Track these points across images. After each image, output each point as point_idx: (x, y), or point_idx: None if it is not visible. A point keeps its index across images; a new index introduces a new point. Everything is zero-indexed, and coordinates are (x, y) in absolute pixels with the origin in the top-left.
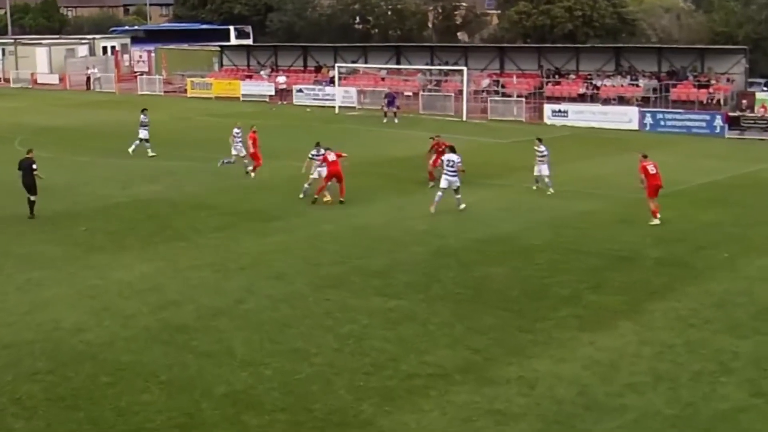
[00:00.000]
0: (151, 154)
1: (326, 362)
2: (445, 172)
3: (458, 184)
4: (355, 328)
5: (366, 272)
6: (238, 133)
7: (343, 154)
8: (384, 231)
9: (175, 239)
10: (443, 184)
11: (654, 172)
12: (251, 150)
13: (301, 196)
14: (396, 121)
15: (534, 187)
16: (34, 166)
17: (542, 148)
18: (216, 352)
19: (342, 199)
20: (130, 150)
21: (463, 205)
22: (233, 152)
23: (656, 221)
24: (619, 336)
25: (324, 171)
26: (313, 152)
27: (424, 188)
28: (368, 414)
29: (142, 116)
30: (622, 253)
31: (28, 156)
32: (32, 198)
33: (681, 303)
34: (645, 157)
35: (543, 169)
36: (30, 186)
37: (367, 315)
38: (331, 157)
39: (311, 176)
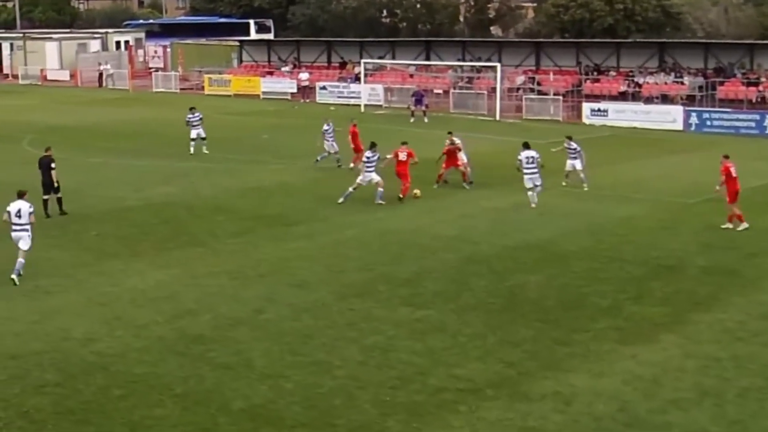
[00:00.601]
0: (192, 152)
1: (350, 375)
2: (525, 171)
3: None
4: (380, 339)
5: (392, 280)
6: (328, 129)
7: (415, 158)
8: (412, 236)
9: (191, 245)
10: (528, 184)
11: (735, 175)
12: (352, 144)
13: (341, 200)
14: (426, 120)
15: (563, 183)
16: (53, 165)
17: (573, 145)
18: (234, 364)
19: (402, 196)
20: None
21: (534, 203)
22: (326, 148)
23: (745, 225)
24: (662, 349)
25: (374, 177)
26: (368, 154)
27: (455, 191)
28: (394, 431)
29: (189, 114)
30: (665, 261)
31: (47, 154)
32: (58, 196)
33: (728, 314)
34: (726, 157)
35: (576, 164)
36: (48, 185)
37: (393, 326)
38: (402, 156)
39: (357, 180)
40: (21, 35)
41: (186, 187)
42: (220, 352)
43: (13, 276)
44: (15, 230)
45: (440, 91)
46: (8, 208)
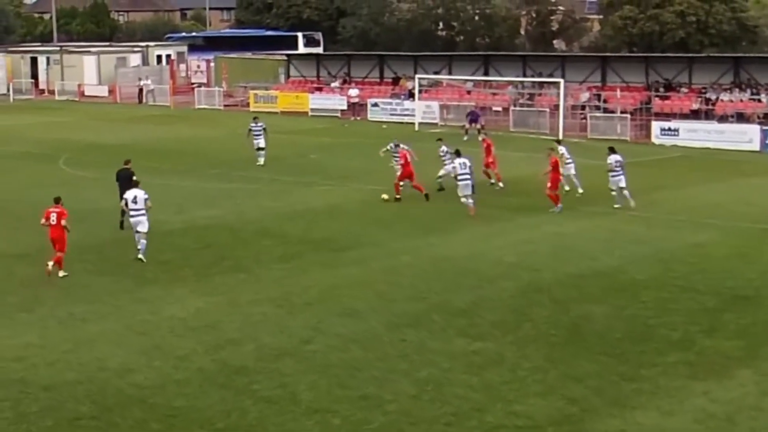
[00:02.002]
0: (260, 162)
1: (402, 411)
2: (612, 175)
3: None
4: (434, 372)
5: (448, 310)
6: (444, 152)
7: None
8: (468, 263)
9: (234, 271)
10: (613, 186)
11: None
12: (487, 159)
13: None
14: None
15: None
16: (134, 178)
17: (562, 149)
18: (278, 398)
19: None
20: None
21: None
22: (442, 172)
23: None
24: (737, 386)
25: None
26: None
27: (514, 215)
28: None
29: (252, 123)
30: (740, 292)
31: (126, 167)
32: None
33: None
34: None
35: (571, 169)
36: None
37: (448, 358)
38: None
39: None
40: (58, 49)
41: (230, 209)
42: (263, 385)
43: (140, 256)
44: (133, 216)
45: (499, 109)
46: (125, 196)
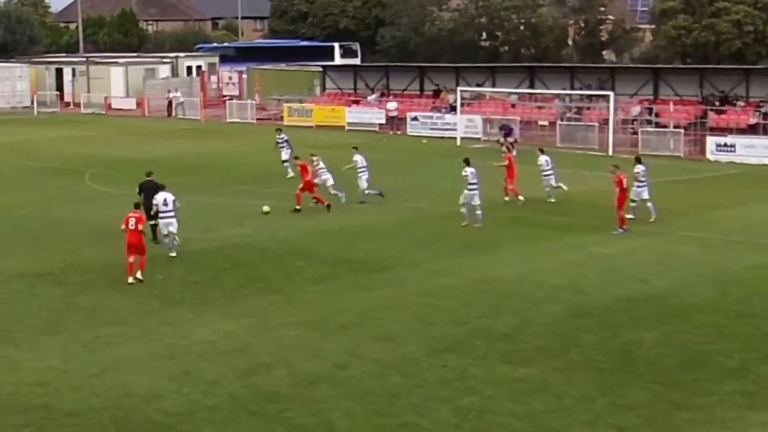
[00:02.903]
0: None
1: None
2: (637, 185)
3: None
4: (476, 400)
5: (490, 334)
6: (357, 161)
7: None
8: (512, 285)
9: (266, 292)
10: (635, 196)
11: None
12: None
13: (465, 223)
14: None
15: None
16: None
17: (542, 159)
18: (312, 426)
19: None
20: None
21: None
22: (364, 184)
23: None
24: None
25: (330, 179)
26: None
27: (561, 235)
28: None
29: (277, 136)
30: None
31: (149, 179)
32: (153, 222)
33: None
34: None
35: (643, 193)
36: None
37: (491, 385)
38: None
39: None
40: (84, 60)
41: (261, 227)
42: (297, 412)
43: (173, 254)
44: (163, 218)
45: (545, 123)
46: (155, 201)
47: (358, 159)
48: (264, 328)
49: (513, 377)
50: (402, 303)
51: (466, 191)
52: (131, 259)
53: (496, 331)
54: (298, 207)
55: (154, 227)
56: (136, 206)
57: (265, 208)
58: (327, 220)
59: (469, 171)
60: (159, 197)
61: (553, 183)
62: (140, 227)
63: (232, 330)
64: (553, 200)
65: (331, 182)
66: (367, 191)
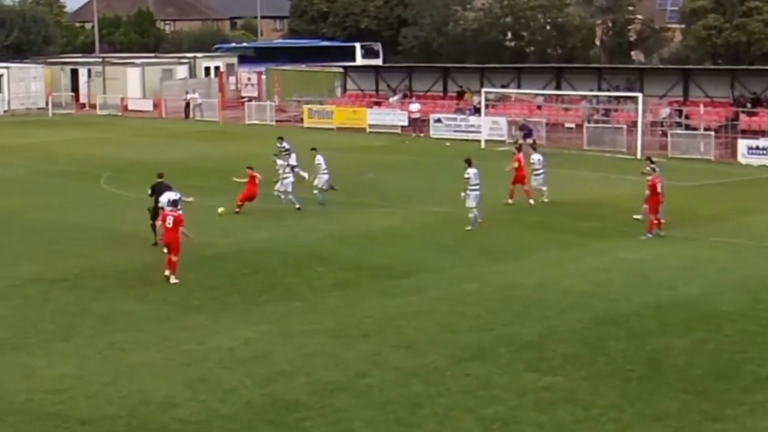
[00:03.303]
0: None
1: None
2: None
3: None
4: (501, 409)
5: (515, 342)
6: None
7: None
8: (538, 292)
9: (286, 298)
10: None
11: None
12: (518, 173)
13: (469, 227)
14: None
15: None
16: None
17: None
18: None
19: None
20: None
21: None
22: (317, 182)
23: None
24: None
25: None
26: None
27: (587, 240)
28: None
29: (278, 145)
30: None
31: (160, 180)
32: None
33: None
34: None
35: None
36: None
37: (516, 394)
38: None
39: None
40: (100, 60)
41: (280, 232)
42: (316, 421)
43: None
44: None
45: (572, 125)
46: (162, 200)
47: (321, 160)
48: (283, 335)
49: (539, 386)
50: (424, 310)
51: (470, 192)
52: (173, 257)
53: (522, 338)
54: (237, 210)
55: (155, 231)
56: (174, 204)
57: (220, 210)
58: (347, 224)
59: (471, 172)
60: (163, 198)
61: (538, 185)
62: (181, 228)
63: (250, 337)
64: (546, 200)
65: (320, 183)
66: (320, 188)
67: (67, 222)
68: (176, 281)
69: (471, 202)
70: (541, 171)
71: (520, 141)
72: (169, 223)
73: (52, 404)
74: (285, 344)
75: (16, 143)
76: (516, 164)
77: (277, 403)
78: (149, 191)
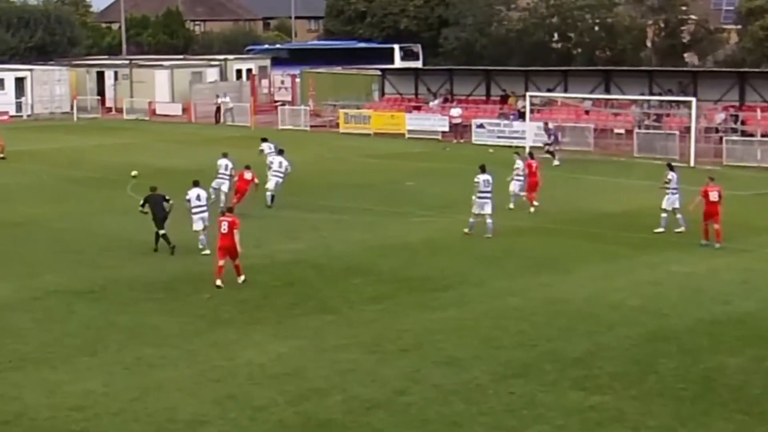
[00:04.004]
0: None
1: None
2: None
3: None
4: (545, 429)
5: (561, 359)
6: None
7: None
8: (584, 306)
9: (320, 312)
10: (667, 205)
11: None
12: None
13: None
14: (556, 162)
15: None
16: (167, 198)
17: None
18: None
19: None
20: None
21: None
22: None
23: None
24: None
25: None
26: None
27: (637, 252)
28: None
29: (264, 144)
30: None
31: (153, 193)
32: (163, 231)
33: None
34: None
35: (676, 202)
36: (162, 219)
37: (561, 413)
38: (248, 175)
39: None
40: (127, 62)
41: (315, 242)
42: None
43: (206, 252)
44: (196, 212)
45: (622, 131)
46: (187, 196)
47: (283, 162)
48: (317, 351)
49: (585, 405)
50: (466, 324)
51: (476, 198)
52: (221, 262)
53: (568, 355)
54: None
55: (158, 236)
56: (229, 210)
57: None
58: (385, 234)
59: (481, 178)
60: (192, 193)
61: (518, 190)
62: (236, 233)
63: (282, 352)
64: (512, 207)
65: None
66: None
67: (92, 231)
68: (244, 278)
69: (475, 209)
70: (521, 178)
71: (555, 147)
72: (224, 229)
73: (76, 422)
74: (319, 360)
75: (40, 149)
76: (526, 170)
77: (310, 422)
78: (141, 202)
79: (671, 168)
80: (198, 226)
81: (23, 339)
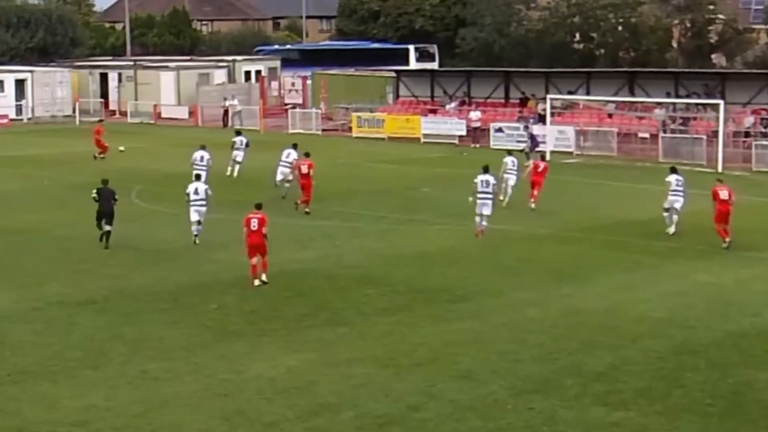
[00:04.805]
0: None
1: None
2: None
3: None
4: None
5: (582, 373)
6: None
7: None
8: (607, 318)
9: (331, 324)
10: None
11: None
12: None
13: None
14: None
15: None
16: (116, 197)
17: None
18: None
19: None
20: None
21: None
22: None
23: None
24: None
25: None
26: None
27: (662, 262)
28: None
29: (236, 138)
30: None
31: (104, 186)
32: (108, 228)
33: None
34: None
35: (675, 202)
36: (109, 215)
37: (583, 430)
38: (304, 168)
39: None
40: (131, 63)
41: (327, 251)
42: None
43: (197, 241)
44: (194, 205)
45: (646, 135)
46: (188, 190)
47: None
48: (329, 365)
49: (608, 422)
50: (483, 337)
51: (476, 200)
52: (254, 260)
53: (590, 369)
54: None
55: (101, 228)
56: (258, 206)
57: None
58: (400, 243)
59: (480, 179)
60: (191, 187)
61: (512, 183)
62: (264, 230)
63: (293, 366)
64: (503, 199)
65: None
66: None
67: (95, 239)
68: (265, 281)
69: (477, 209)
70: (513, 171)
71: (528, 150)
72: (254, 226)
73: None
74: (330, 374)
75: (41, 153)
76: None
77: None
78: (94, 194)
79: (674, 171)
80: (194, 217)
81: (23, 351)
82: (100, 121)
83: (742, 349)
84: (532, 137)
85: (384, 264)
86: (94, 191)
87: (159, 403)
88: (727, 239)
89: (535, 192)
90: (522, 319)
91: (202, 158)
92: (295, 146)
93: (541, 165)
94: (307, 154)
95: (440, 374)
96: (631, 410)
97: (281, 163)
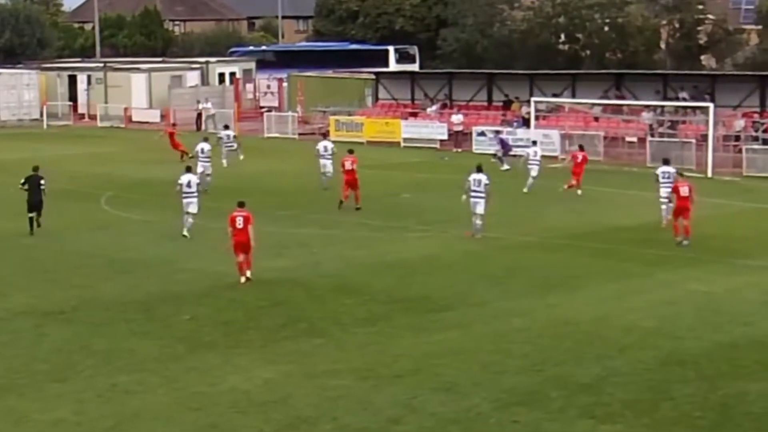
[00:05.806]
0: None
1: None
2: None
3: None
4: None
5: (568, 385)
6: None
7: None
8: (594, 328)
9: (308, 334)
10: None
11: None
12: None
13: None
14: (505, 167)
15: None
16: (42, 182)
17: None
18: None
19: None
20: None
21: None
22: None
23: None
24: None
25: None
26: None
27: (652, 270)
28: None
29: (223, 132)
30: None
31: (35, 173)
32: (34, 215)
33: None
34: None
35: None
36: (36, 204)
37: None
38: (348, 164)
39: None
40: (101, 65)
41: (304, 259)
42: None
43: (185, 233)
44: (186, 198)
45: (634, 139)
46: (180, 181)
47: (204, 147)
48: (306, 376)
49: None
50: (466, 348)
51: (470, 199)
52: (240, 258)
53: (576, 381)
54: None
55: (31, 220)
56: (241, 204)
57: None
58: (380, 250)
59: (472, 178)
60: (184, 179)
61: (535, 174)
62: (250, 228)
63: (268, 378)
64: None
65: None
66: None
67: (63, 248)
68: (249, 278)
69: (470, 207)
70: (536, 161)
71: (499, 154)
72: (239, 224)
73: None
74: (307, 386)
75: (7, 158)
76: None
77: None
78: (23, 181)
79: (666, 162)
80: (192, 209)
81: None
82: (173, 125)
83: (732, 359)
84: (503, 142)
85: (363, 272)
86: (23, 179)
87: (130, 416)
88: (680, 237)
89: (574, 182)
90: (507, 330)
91: (202, 150)
92: (325, 135)
93: (579, 156)
94: (350, 151)
95: (421, 386)
96: (618, 423)
97: (322, 155)
